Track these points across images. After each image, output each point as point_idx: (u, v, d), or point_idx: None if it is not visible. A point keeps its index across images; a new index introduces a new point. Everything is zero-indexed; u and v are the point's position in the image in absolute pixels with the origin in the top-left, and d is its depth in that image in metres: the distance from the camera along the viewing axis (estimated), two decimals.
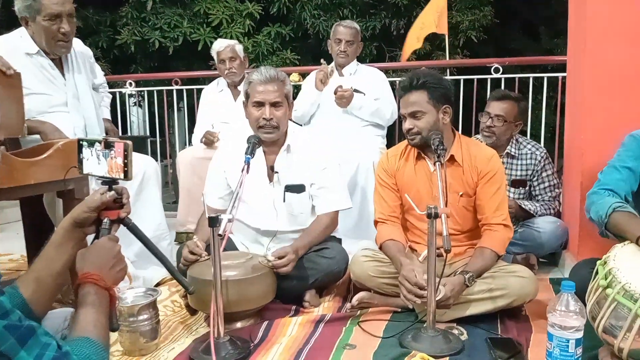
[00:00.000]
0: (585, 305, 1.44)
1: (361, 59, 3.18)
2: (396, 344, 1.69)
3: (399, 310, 1.95)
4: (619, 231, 1.60)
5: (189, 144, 4.00)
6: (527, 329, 1.78)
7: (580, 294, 1.44)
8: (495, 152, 2.00)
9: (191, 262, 1.93)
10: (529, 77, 3.48)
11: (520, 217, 2.44)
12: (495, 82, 3.51)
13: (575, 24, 2.44)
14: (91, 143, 1.22)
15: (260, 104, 2.04)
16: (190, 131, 4.23)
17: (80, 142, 1.24)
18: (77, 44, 2.36)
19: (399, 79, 3.97)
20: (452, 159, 1.95)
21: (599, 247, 2.13)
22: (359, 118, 3.00)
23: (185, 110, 4.17)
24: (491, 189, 1.91)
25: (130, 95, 4.66)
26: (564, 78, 3.26)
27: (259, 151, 2.08)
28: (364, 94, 2.96)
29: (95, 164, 1.22)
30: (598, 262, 1.51)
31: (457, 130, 2.07)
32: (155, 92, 4.17)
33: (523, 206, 2.43)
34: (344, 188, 2.21)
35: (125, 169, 1.18)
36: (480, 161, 1.94)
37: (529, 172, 2.51)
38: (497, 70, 3.41)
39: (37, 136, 2.12)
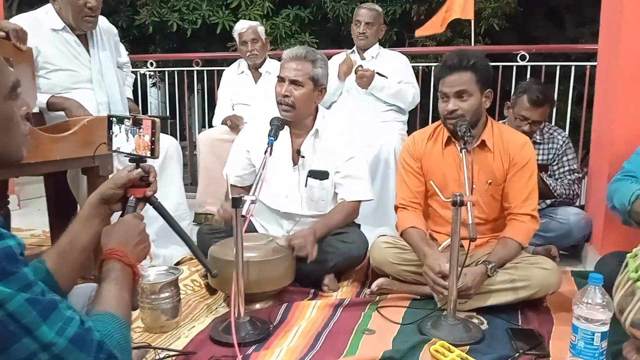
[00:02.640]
0: (612, 298, 1.42)
1: (381, 44, 3.13)
2: (415, 331, 1.68)
3: (418, 297, 1.94)
4: None
5: (208, 126, 4.00)
6: (549, 320, 1.76)
7: (606, 287, 1.42)
8: (529, 139, 1.94)
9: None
10: (555, 66, 3.40)
11: (540, 193, 2.37)
12: (521, 70, 3.43)
13: (609, 11, 2.37)
14: (120, 120, 1.21)
15: (282, 80, 2.04)
16: (207, 113, 4.24)
17: (110, 118, 1.23)
18: (103, 21, 2.36)
19: (421, 64, 3.92)
20: (483, 144, 1.89)
21: (624, 241, 2.10)
22: (380, 102, 2.96)
23: (205, 91, 4.16)
24: (523, 177, 1.86)
25: (149, 76, 4.66)
26: (592, 67, 3.20)
27: (286, 133, 2.08)
28: (386, 78, 2.91)
29: (123, 140, 1.21)
30: (628, 255, 1.47)
31: None
32: (175, 72, 4.16)
33: (545, 179, 2.37)
34: (368, 179, 2.18)
35: (153, 146, 1.17)
36: (512, 148, 1.88)
37: (550, 157, 2.47)
38: (523, 58, 3.33)
39: (62, 112, 2.13)
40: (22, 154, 0.96)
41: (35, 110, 2.02)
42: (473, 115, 1.82)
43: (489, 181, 1.90)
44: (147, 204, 1.19)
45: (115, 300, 0.93)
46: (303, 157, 2.10)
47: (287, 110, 2.03)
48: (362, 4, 3.09)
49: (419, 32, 3.92)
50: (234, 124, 3.03)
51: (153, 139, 1.17)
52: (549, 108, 2.43)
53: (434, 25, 3.70)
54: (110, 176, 1.87)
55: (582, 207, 2.55)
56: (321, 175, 2.10)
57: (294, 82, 2.01)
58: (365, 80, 2.85)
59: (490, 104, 1.90)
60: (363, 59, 3.05)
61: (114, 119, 1.22)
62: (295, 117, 2.06)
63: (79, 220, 1.10)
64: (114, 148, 1.23)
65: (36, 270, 1.03)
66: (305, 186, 2.11)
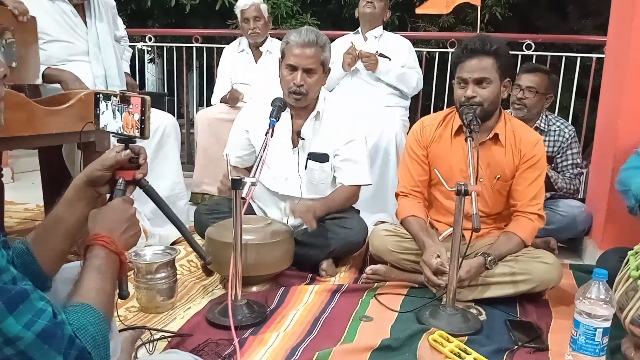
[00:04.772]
0: None
1: (383, 28, 3.07)
2: (413, 320, 1.67)
3: (416, 285, 1.92)
4: None
5: (206, 105, 3.93)
6: (547, 314, 1.76)
7: (608, 282, 1.41)
8: (541, 138, 1.91)
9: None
10: (561, 57, 3.36)
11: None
12: (526, 60, 3.39)
13: (621, 3, 2.32)
14: (107, 96, 1.15)
15: (293, 68, 1.96)
16: (203, 91, 4.17)
17: (97, 95, 1.17)
18: None
19: (424, 49, 3.85)
20: (495, 137, 1.85)
21: (624, 236, 2.10)
22: (383, 85, 2.91)
23: (204, 69, 4.08)
24: (532, 175, 1.83)
25: (147, 51, 4.56)
26: (597, 60, 3.17)
27: (286, 115, 2.03)
28: (389, 59, 2.87)
29: (110, 118, 1.14)
30: (630, 252, 1.46)
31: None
32: (174, 48, 4.07)
33: (547, 171, 2.36)
34: (367, 163, 2.14)
35: (142, 126, 1.10)
36: (525, 144, 1.83)
37: (555, 149, 2.46)
38: (529, 47, 3.29)
39: (57, 85, 2.07)
40: None
41: (39, 82, 1.95)
42: (490, 104, 1.77)
43: (498, 176, 1.86)
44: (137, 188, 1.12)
45: (95, 291, 0.86)
46: (303, 139, 2.06)
47: (299, 98, 1.98)
48: None
49: (420, 9, 3.77)
50: (232, 96, 2.97)
51: (143, 118, 1.10)
52: (544, 80, 2.41)
53: (439, 5, 3.58)
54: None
55: (581, 201, 2.54)
56: (321, 157, 2.07)
57: (307, 71, 1.95)
58: (373, 62, 2.80)
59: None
60: (366, 39, 3.00)
61: (101, 95, 1.16)
62: (306, 103, 2.02)
63: (63, 202, 1.03)
64: (100, 126, 1.17)
65: (21, 254, 0.99)
66: (305, 169, 2.07)
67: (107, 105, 1.14)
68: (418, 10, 3.83)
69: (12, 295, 0.71)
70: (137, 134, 1.10)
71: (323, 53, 1.98)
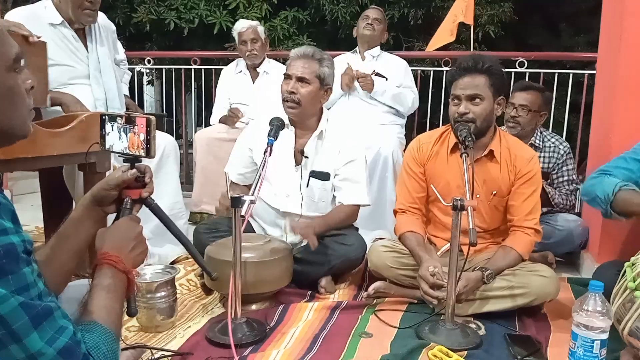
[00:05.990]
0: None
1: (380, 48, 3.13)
2: (413, 335, 1.68)
3: (415, 301, 1.93)
4: (627, 207, 1.68)
5: (204, 125, 3.97)
6: (546, 327, 1.76)
7: (604, 296, 1.42)
8: (536, 153, 1.95)
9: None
10: (554, 73, 3.42)
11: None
12: (520, 77, 3.45)
13: (610, 21, 2.38)
14: (113, 118, 1.18)
15: (288, 77, 2.04)
16: (201, 111, 4.21)
17: (103, 116, 1.20)
18: (102, 17, 2.34)
19: (420, 68, 3.92)
20: (491, 154, 1.88)
21: (620, 249, 2.12)
22: (380, 104, 2.96)
23: (203, 90, 4.13)
24: (527, 190, 1.85)
25: (145, 74, 4.62)
26: (590, 76, 3.22)
27: (290, 133, 2.08)
28: (386, 79, 2.92)
29: (116, 139, 1.17)
30: (626, 264, 1.48)
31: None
32: (173, 70, 4.13)
33: (544, 186, 2.38)
34: (366, 184, 2.17)
35: (148, 145, 1.12)
36: (520, 161, 1.87)
37: (550, 165, 2.48)
38: (522, 65, 3.35)
39: (58, 107, 2.10)
40: (28, 128, 0.90)
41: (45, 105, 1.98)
42: (484, 120, 1.81)
43: (494, 192, 1.89)
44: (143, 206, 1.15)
45: (106, 310, 0.88)
46: (306, 157, 2.09)
47: (292, 107, 2.03)
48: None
49: (431, 47, 4.00)
50: (232, 113, 3.02)
51: (148, 137, 1.12)
52: (537, 98, 2.45)
53: (444, 36, 3.77)
54: (107, 174, 1.85)
55: (578, 215, 2.56)
56: (323, 176, 2.10)
57: (300, 80, 2.02)
58: (369, 82, 2.85)
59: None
60: (363, 58, 3.06)
61: (107, 117, 1.18)
62: (300, 115, 2.06)
63: (70, 221, 1.06)
64: (106, 147, 1.20)
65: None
66: (307, 186, 2.10)
67: (112, 126, 1.17)
68: (429, 48, 4.02)
69: (38, 311, 0.73)
70: (143, 154, 1.13)
71: (320, 68, 2.04)
